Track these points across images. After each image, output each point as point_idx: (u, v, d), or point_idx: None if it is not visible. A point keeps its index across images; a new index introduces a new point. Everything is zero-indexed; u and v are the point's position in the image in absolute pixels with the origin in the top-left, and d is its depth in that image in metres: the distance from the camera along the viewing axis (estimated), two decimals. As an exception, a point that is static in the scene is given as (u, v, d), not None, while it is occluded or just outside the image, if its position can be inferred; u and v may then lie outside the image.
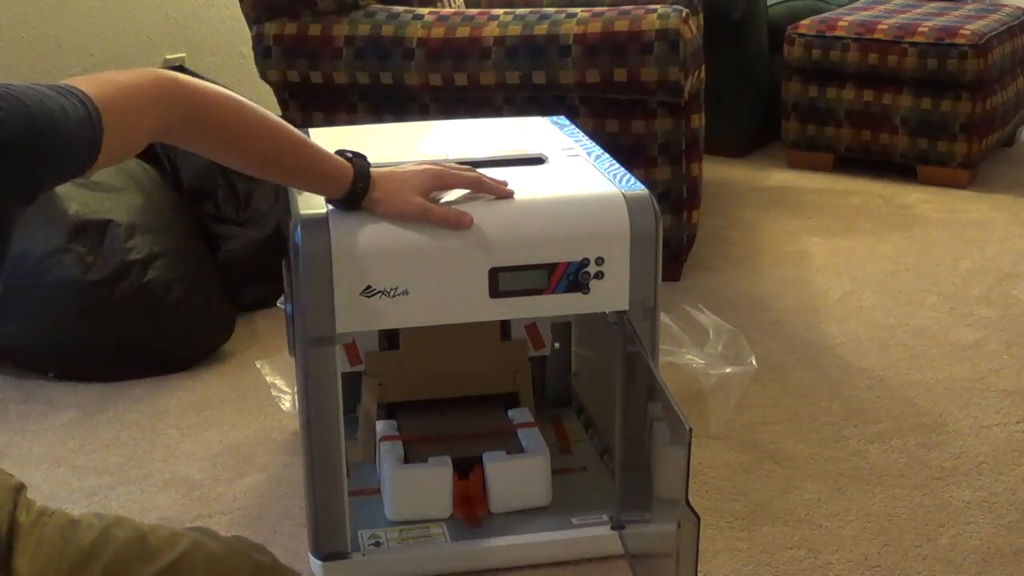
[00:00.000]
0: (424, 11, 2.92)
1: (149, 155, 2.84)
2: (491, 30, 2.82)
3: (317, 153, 1.62)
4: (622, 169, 1.89)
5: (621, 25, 2.74)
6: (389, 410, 2.12)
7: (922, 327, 2.75)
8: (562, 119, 2.25)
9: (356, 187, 1.65)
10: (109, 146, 1.27)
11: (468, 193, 1.76)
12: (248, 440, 2.26)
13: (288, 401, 2.29)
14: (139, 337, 2.52)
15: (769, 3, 4.09)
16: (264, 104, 3.36)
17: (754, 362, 2.43)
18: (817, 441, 2.24)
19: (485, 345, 2.13)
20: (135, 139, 1.37)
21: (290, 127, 1.59)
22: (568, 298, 1.75)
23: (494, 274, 1.71)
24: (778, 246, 3.28)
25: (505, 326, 2.14)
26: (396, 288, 1.69)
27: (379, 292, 1.68)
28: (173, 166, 2.85)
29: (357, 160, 1.67)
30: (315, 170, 1.63)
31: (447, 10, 3.01)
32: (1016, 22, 3.93)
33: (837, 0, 4.22)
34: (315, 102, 3.01)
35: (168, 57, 3.62)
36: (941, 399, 2.40)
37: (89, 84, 1.28)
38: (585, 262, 1.73)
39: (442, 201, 1.73)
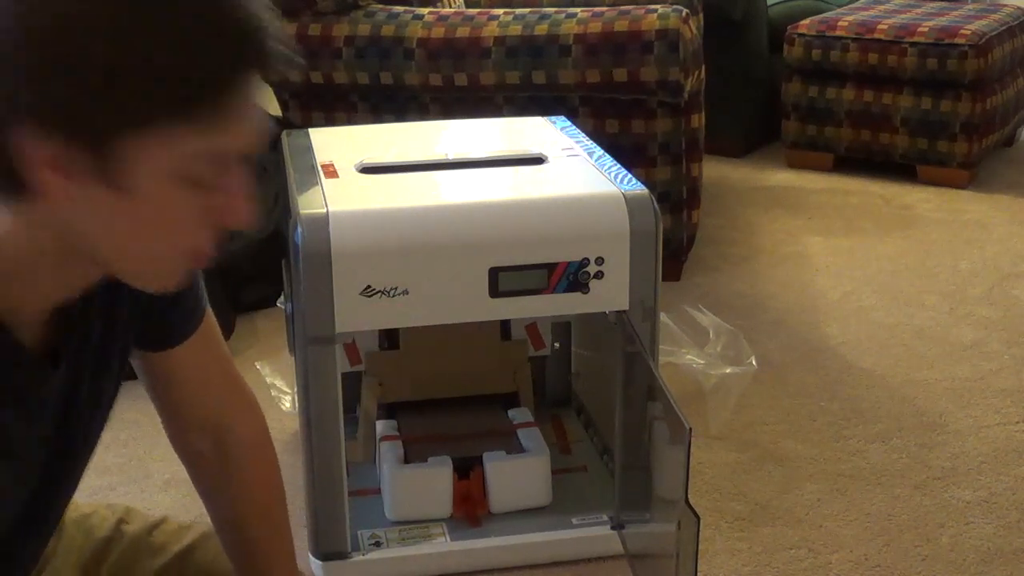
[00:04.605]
0: (424, 11, 2.92)
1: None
2: (491, 30, 2.82)
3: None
4: (622, 169, 1.89)
5: (621, 25, 2.74)
6: (389, 410, 2.12)
7: (922, 327, 2.75)
8: (562, 119, 2.25)
9: None
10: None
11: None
12: (248, 440, 2.26)
13: (288, 401, 2.29)
14: (139, 337, 2.52)
15: (769, 3, 4.09)
16: (265, 104, 3.35)
17: (754, 362, 2.43)
18: (817, 441, 2.24)
19: (485, 345, 2.13)
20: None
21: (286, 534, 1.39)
22: (568, 298, 1.75)
23: (494, 274, 1.71)
24: (778, 246, 3.28)
25: (505, 326, 2.14)
26: (396, 288, 1.69)
27: (379, 292, 1.68)
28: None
29: None
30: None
31: (447, 10, 3.01)
32: (1016, 22, 3.92)
33: (837, 0, 4.22)
34: (315, 102, 3.01)
35: (168, 57, 3.62)
36: (941, 399, 2.40)
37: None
38: (585, 262, 1.73)
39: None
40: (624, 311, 1.76)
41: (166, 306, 1.15)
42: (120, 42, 0.82)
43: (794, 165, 3.98)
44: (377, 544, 1.84)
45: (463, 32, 2.83)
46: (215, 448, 1.31)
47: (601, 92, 2.81)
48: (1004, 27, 3.81)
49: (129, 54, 0.82)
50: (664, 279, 1.80)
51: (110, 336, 1.09)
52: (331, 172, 1.87)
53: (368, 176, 1.88)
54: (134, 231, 0.92)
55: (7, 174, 0.86)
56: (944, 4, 4.11)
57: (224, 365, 1.30)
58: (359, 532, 1.86)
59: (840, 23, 3.82)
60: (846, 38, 3.78)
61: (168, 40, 0.83)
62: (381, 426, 2.04)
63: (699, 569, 1.49)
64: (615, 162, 1.93)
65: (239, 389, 1.33)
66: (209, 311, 1.25)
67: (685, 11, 2.75)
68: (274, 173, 2.09)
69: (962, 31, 3.64)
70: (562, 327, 2.22)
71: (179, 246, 0.96)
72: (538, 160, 1.97)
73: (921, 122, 3.73)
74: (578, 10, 2.85)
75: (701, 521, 1.44)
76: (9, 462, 1.01)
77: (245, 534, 1.34)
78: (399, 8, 2.94)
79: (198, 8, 0.85)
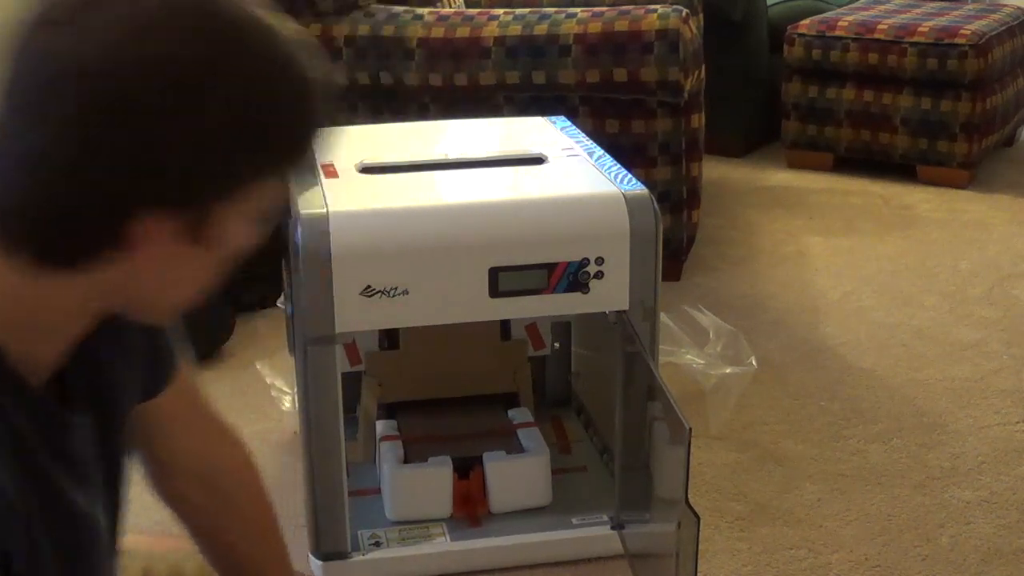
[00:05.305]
0: (424, 11, 2.92)
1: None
2: (491, 30, 2.82)
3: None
4: (622, 169, 1.88)
5: (621, 25, 2.74)
6: (389, 410, 2.12)
7: (922, 327, 2.75)
8: (562, 119, 2.25)
9: None
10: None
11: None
12: (248, 440, 2.24)
13: (288, 401, 2.28)
14: (139, 337, 2.51)
15: (769, 3, 4.09)
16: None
17: (754, 362, 2.42)
18: (817, 441, 2.24)
19: (485, 345, 2.13)
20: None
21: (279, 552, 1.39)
22: (568, 298, 1.75)
23: (494, 274, 1.71)
24: (778, 246, 3.28)
25: (505, 326, 2.14)
26: (396, 288, 1.69)
27: (379, 292, 1.68)
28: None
29: None
30: None
31: (447, 10, 3.01)
32: (1016, 22, 3.92)
33: (837, 0, 4.22)
34: (315, 102, 3.00)
35: (168, 57, 3.61)
36: (941, 399, 2.40)
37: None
38: (585, 262, 1.73)
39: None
40: (624, 311, 1.76)
41: (150, 353, 1.14)
42: (230, 116, 0.87)
43: (794, 165, 3.98)
44: (377, 544, 1.84)
45: (463, 32, 2.83)
46: (206, 491, 1.29)
47: (601, 92, 2.81)
48: (1004, 27, 3.81)
49: (236, 127, 0.88)
50: (664, 279, 1.80)
51: (114, 381, 1.08)
52: (331, 172, 1.87)
53: (368, 176, 1.88)
54: (202, 277, 0.96)
55: (105, 244, 0.88)
56: (944, 4, 4.11)
57: (205, 406, 1.29)
58: (359, 532, 1.86)
59: (840, 23, 3.82)
60: (846, 38, 3.77)
61: (270, 107, 0.89)
62: (381, 426, 2.04)
63: (699, 569, 1.49)
64: (615, 162, 1.93)
65: (221, 427, 1.32)
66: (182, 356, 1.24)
67: (685, 11, 2.75)
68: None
69: (962, 31, 3.64)
70: (562, 327, 2.22)
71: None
72: (538, 160, 1.97)
73: (921, 122, 3.73)
74: (578, 10, 2.85)
75: (701, 521, 1.44)
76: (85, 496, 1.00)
77: (242, 559, 1.34)
78: (399, 8, 2.94)
79: (292, 73, 0.91)
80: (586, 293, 1.75)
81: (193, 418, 1.27)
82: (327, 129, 0.96)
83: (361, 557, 1.82)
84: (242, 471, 1.33)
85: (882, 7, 4.04)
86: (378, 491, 1.96)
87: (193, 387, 1.27)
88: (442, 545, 1.85)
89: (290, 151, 0.94)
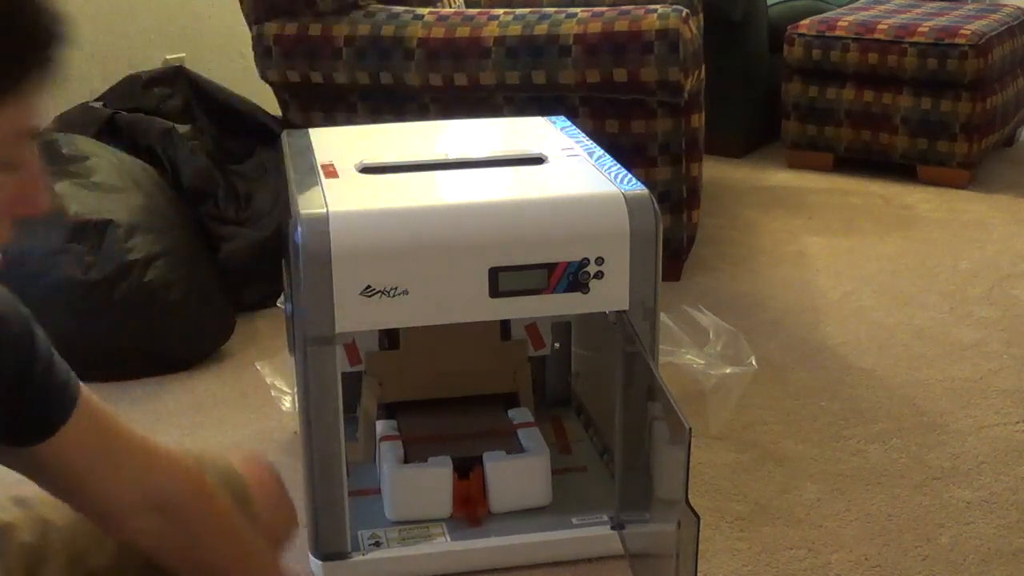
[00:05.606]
0: (424, 11, 2.92)
1: (149, 155, 2.84)
2: (491, 30, 2.82)
3: None
4: (622, 169, 1.89)
5: (621, 25, 2.74)
6: (389, 410, 2.12)
7: (922, 327, 2.75)
8: (562, 119, 2.25)
9: None
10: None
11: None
12: (248, 440, 2.26)
13: (288, 401, 2.28)
14: (139, 337, 2.52)
15: (769, 3, 4.09)
16: (264, 104, 3.35)
17: (754, 362, 2.42)
18: (817, 441, 2.24)
19: (485, 345, 2.13)
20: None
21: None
22: (568, 298, 1.75)
23: (494, 274, 1.71)
24: (778, 246, 3.28)
25: (505, 326, 2.14)
26: (396, 288, 1.69)
27: (379, 292, 1.68)
28: (173, 166, 2.85)
29: None
30: None
31: (447, 10, 3.01)
32: (1016, 22, 3.93)
33: (837, 0, 4.22)
34: (315, 102, 3.01)
35: (168, 57, 3.62)
36: (941, 399, 2.40)
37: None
38: (585, 262, 1.73)
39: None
40: (624, 311, 1.76)
41: (37, 386, 1.09)
42: None
43: (794, 165, 3.98)
44: (377, 544, 1.84)
45: (463, 32, 2.83)
46: (163, 519, 1.21)
47: (601, 92, 2.81)
48: (1004, 27, 3.81)
49: None
50: (664, 279, 1.80)
51: None
52: (331, 172, 1.87)
53: (368, 176, 1.88)
54: None
55: None
56: (944, 4, 4.11)
57: (126, 432, 1.21)
58: (359, 532, 1.86)
59: (840, 23, 3.82)
60: (846, 38, 3.78)
61: None
62: (381, 426, 2.04)
63: (699, 569, 1.49)
64: (615, 162, 1.93)
65: (153, 450, 1.23)
66: (82, 385, 1.16)
67: (685, 11, 2.75)
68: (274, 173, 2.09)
69: (962, 31, 3.64)
70: (562, 327, 2.22)
71: None
72: (538, 160, 1.97)
73: (921, 122, 3.73)
74: (578, 10, 2.85)
75: (701, 521, 1.44)
76: None
77: (224, 567, 1.30)
78: (399, 8, 2.94)
79: None
80: (586, 293, 1.75)
81: (121, 450, 1.19)
82: (53, 59, 0.93)
83: (361, 557, 1.82)
84: (194, 489, 1.25)
85: (882, 7, 4.04)
86: (378, 491, 1.96)
87: (104, 414, 1.18)
88: (442, 545, 1.85)
89: (16, 71, 0.91)
